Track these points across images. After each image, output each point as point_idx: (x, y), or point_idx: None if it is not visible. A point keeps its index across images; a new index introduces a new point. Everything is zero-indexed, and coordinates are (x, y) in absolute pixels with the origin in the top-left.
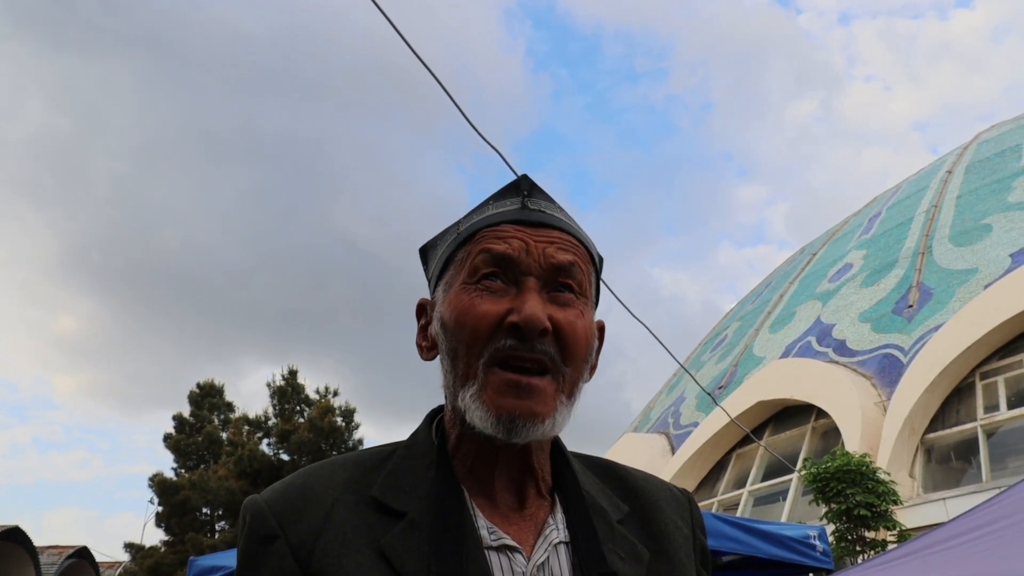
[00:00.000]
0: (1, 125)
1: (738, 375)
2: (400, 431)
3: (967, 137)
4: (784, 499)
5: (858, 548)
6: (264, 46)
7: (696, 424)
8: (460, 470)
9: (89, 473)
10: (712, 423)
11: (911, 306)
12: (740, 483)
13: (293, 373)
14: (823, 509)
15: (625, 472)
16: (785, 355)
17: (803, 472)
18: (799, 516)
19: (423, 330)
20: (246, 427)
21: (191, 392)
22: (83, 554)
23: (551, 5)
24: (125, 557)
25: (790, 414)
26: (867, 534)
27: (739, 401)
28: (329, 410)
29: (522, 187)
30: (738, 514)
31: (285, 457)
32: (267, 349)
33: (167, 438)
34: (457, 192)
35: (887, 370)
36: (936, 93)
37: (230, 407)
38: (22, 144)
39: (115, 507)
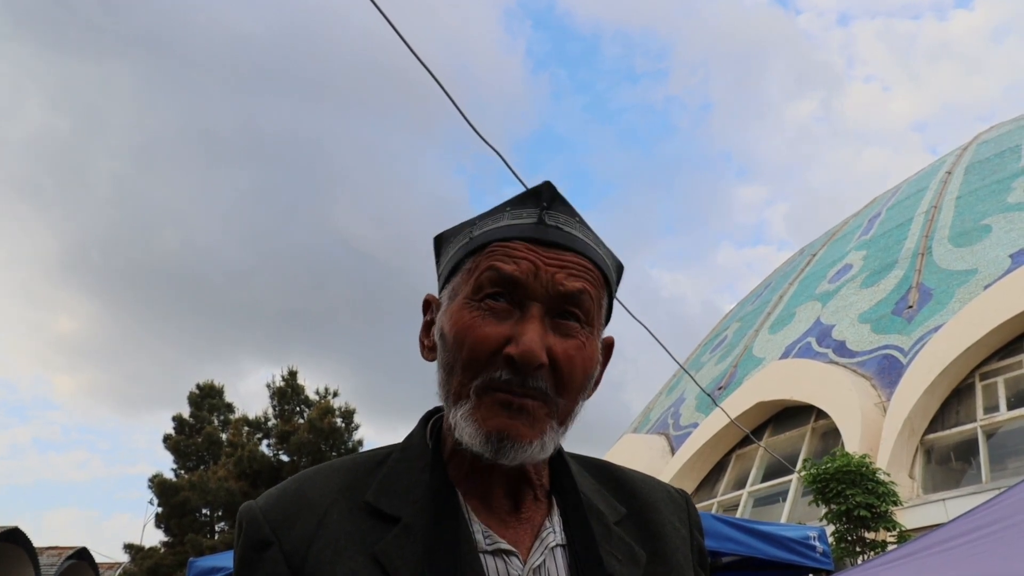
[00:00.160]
0: (1, 125)
1: (738, 376)
2: (400, 432)
3: (967, 138)
4: (784, 500)
5: (858, 549)
6: (264, 46)
7: (696, 425)
8: (455, 474)
9: (89, 474)
10: (712, 424)
11: (911, 307)
12: (740, 484)
13: (293, 374)
14: (823, 510)
15: (622, 473)
16: (785, 356)
17: (803, 473)
18: (799, 517)
19: (427, 327)
20: (246, 428)
21: (191, 393)
22: (82, 555)
23: (551, 5)
24: (125, 558)
25: (790, 415)
26: (867, 535)
27: (739, 402)
28: (329, 411)
29: (542, 197)
30: (738, 515)
31: (285, 458)
32: (267, 350)
33: (167, 439)
34: (457, 192)
35: (887, 371)
36: (935, 93)
37: (230, 408)
38: (22, 144)
39: (115, 508)
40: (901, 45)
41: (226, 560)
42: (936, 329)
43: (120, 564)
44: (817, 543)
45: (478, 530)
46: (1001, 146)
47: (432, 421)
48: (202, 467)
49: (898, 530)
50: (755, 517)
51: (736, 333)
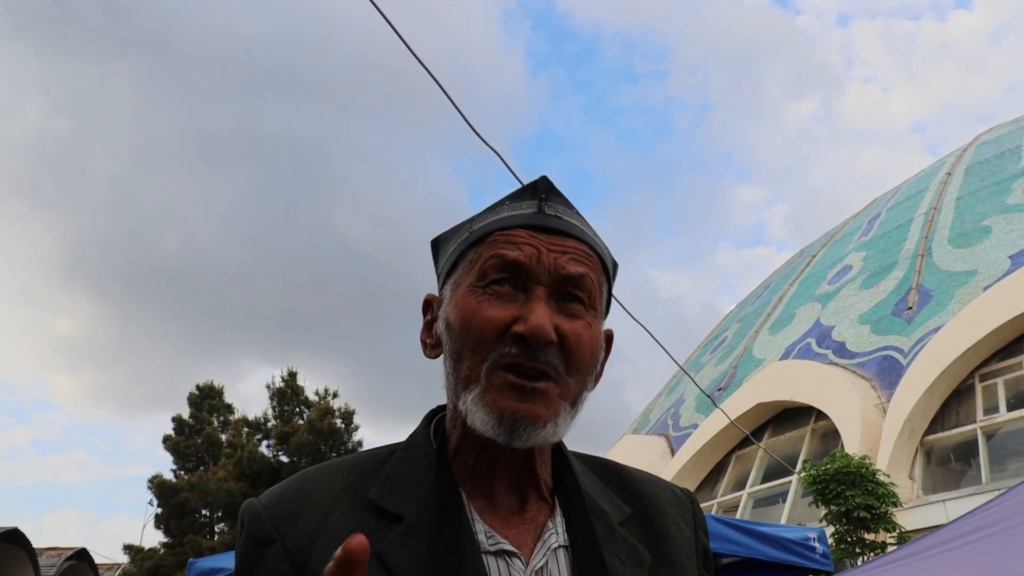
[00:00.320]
0: (1, 126)
1: (738, 377)
2: (400, 432)
3: (966, 138)
4: (784, 501)
5: (858, 550)
6: (263, 47)
7: (696, 426)
8: (459, 472)
9: (88, 475)
10: (712, 425)
11: (910, 308)
12: (740, 485)
13: (292, 375)
14: (823, 511)
15: (627, 473)
16: (785, 357)
17: (803, 474)
18: (799, 518)
19: (428, 326)
20: (245, 429)
21: (190, 394)
22: (82, 556)
23: (550, 6)
24: (124, 559)
25: (790, 416)
26: (867, 536)
27: (739, 403)
28: (329, 412)
29: (539, 189)
30: (737, 516)
31: (284, 459)
32: (266, 350)
33: (166, 440)
34: (456, 193)
35: (887, 372)
36: (935, 94)
37: (229, 409)
38: (21, 145)
39: (114, 509)
40: (901, 46)
41: (226, 561)
42: (936, 330)
43: (120, 565)
44: (817, 544)
45: (481, 530)
46: (1001, 147)
47: (435, 420)
48: (202, 468)
49: (898, 531)
50: (755, 518)
51: (736, 334)
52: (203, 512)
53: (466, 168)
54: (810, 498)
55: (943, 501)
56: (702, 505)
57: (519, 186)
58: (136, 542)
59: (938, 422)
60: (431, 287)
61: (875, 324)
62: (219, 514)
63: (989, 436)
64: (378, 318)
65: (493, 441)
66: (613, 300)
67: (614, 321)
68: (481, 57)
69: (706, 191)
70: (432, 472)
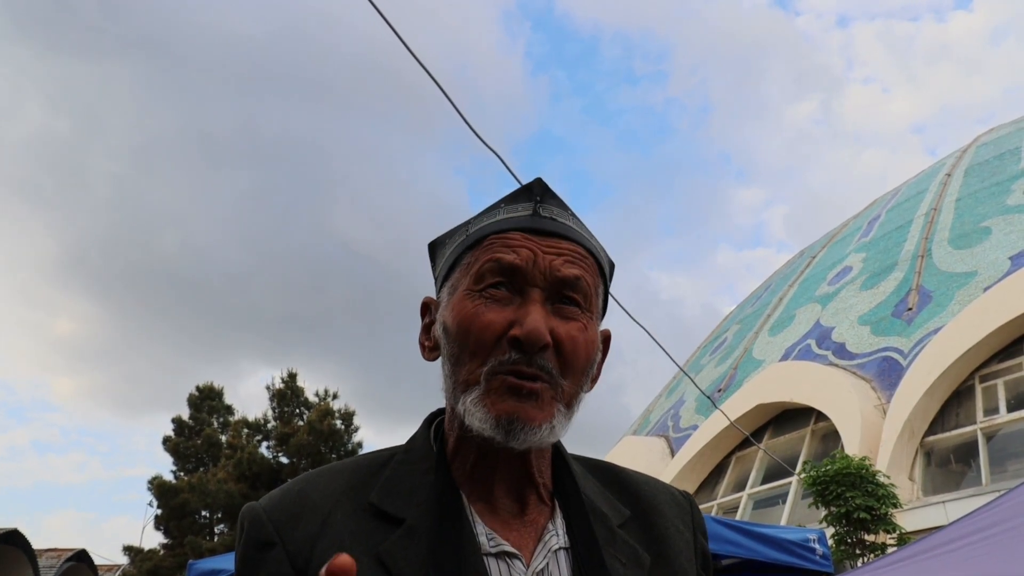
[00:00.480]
0: (1, 126)
1: (737, 378)
2: (400, 434)
3: (966, 139)
4: (784, 502)
5: (858, 551)
6: (263, 48)
7: (695, 427)
8: (459, 475)
9: (88, 476)
10: (711, 426)
11: (910, 309)
12: (739, 486)
13: (292, 376)
14: (823, 512)
15: (626, 475)
16: (785, 358)
17: (803, 475)
18: (799, 519)
19: (426, 329)
20: (245, 430)
21: (190, 395)
22: (82, 557)
23: (550, 7)
24: (124, 560)
25: (789, 417)
26: (867, 537)
27: (738, 404)
28: (328, 413)
29: (535, 191)
30: (737, 517)
31: (284, 460)
32: (266, 352)
33: (166, 441)
34: (456, 194)
35: (886, 373)
36: (935, 95)
37: (229, 410)
38: (21, 145)
39: (114, 510)
40: (900, 47)
41: (226, 562)
42: (936, 331)
43: (119, 566)
44: (817, 545)
45: (482, 532)
46: (1001, 148)
47: (435, 423)
48: (201, 469)
49: (898, 532)
50: (755, 519)
51: (736, 335)
52: (203, 513)
53: (466, 169)
54: (810, 499)
55: (943, 502)
56: (702, 506)
57: (518, 187)
58: (136, 543)
59: (938, 423)
60: (431, 288)
61: (875, 325)
62: (219, 515)
63: (989, 437)
64: (378, 319)
65: (490, 442)
66: (612, 301)
67: (614, 322)
68: (481, 58)
69: (706, 192)
70: (432, 475)
